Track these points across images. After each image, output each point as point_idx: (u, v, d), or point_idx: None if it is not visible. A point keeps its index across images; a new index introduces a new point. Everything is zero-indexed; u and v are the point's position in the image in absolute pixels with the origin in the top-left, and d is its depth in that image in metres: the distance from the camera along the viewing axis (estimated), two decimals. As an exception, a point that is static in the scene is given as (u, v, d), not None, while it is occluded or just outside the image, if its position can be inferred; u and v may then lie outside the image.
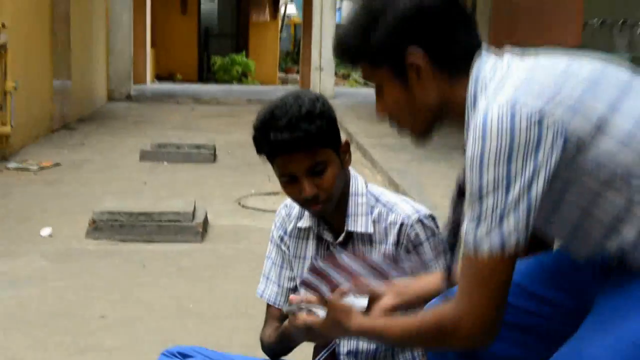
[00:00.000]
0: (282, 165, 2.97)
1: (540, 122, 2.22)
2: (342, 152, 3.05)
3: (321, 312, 2.79)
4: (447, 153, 10.75)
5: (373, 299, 2.84)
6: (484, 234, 2.29)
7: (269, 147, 2.93)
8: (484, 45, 2.53)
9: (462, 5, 2.54)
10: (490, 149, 2.25)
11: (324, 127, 2.94)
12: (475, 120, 2.32)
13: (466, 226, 2.37)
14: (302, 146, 2.90)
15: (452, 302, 2.43)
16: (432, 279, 2.86)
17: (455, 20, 2.49)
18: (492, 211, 2.26)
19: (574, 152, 2.31)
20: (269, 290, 3.40)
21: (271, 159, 2.99)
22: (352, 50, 2.57)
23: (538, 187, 2.26)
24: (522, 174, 2.24)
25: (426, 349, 2.83)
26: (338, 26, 2.68)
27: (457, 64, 2.49)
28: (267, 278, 3.41)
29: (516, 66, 2.42)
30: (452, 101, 2.51)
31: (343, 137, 3.09)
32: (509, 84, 2.33)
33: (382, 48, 2.48)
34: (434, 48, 2.44)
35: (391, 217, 3.11)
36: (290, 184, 3.00)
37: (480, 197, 2.28)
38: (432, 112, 2.55)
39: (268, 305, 3.39)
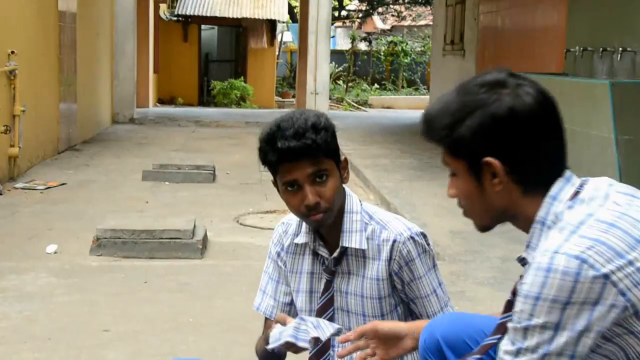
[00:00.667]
0: (287, 173, 2.98)
1: (604, 285, 2.15)
2: (342, 167, 3.11)
3: (302, 343, 2.88)
4: (436, 173, 10.77)
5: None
6: None
7: (276, 155, 2.94)
8: (568, 168, 2.43)
9: (558, 119, 2.45)
10: (547, 294, 2.19)
11: (328, 139, 3.00)
12: (542, 256, 2.26)
13: (504, 346, 2.33)
14: (307, 153, 2.94)
15: None
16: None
17: (545, 134, 2.39)
18: (533, 351, 2.22)
19: (629, 314, 2.23)
20: (264, 303, 3.43)
21: (276, 167, 2.99)
22: (436, 133, 2.49)
23: (586, 343, 2.21)
24: (572, 326, 2.19)
25: None
26: (433, 102, 2.48)
27: (535, 180, 2.41)
28: (264, 292, 3.43)
29: (599, 211, 2.31)
30: (520, 212, 2.46)
31: (342, 156, 3.22)
32: (585, 233, 2.24)
33: (463, 144, 2.41)
34: (514, 161, 2.36)
35: (384, 235, 3.13)
36: (293, 193, 3.01)
37: (526, 331, 2.24)
38: (498, 214, 2.51)
39: (265, 319, 3.44)
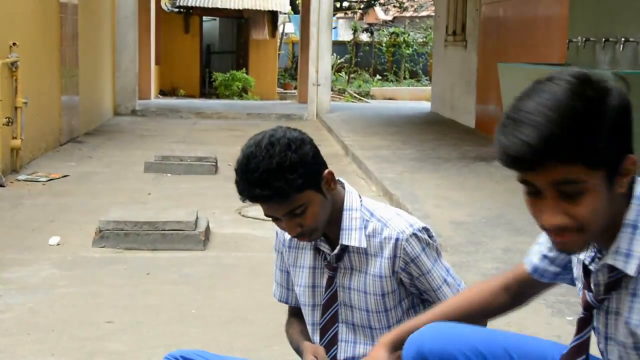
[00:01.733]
0: (263, 209, 2.99)
1: None
2: (324, 184, 3.05)
3: None
4: (437, 165, 10.88)
5: None
6: None
7: (246, 198, 2.94)
8: None
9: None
10: None
11: (295, 180, 2.89)
12: None
13: None
14: (275, 198, 2.90)
15: None
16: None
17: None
18: None
19: None
20: (279, 292, 3.44)
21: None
22: (564, 152, 2.12)
23: None
24: None
25: None
26: (538, 120, 2.19)
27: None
28: (277, 283, 3.44)
29: None
30: (618, 216, 2.29)
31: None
32: None
33: (602, 150, 2.14)
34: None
35: (386, 233, 3.11)
36: (275, 222, 3.04)
37: None
38: (610, 222, 2.28)
39: (289, 306, 3.48)
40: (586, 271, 2.47)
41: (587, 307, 2.47)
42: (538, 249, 2.70)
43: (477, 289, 2.81)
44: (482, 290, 2.82)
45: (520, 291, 2.78)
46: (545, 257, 2.69)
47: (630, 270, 2.30)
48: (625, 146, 2.19)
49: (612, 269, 2.35)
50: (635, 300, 2.35)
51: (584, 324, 2.51)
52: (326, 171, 3.05)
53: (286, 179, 2.88)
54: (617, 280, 2.39)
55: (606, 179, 2.19)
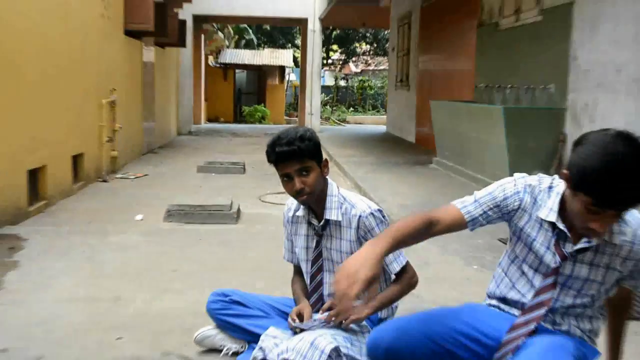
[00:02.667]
0: (282, 168, 3.04)
1: None
2: (323, 165, 3.13)
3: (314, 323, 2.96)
4: (389, 168, 10.80)
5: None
6: None
7: (275, 156, 3.01)
8: None
9: None
10: None
11: (310, 146, 3.02)
12: None
13: None
14: (295, 156, 2.99)
15: None
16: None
17: None
18: None
19: None
20: (287, 255, 3.45)
21: (275, 164, 3.05)
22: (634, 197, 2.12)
23: None
24: None
25: None
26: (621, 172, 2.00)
27: None
28: (286, 248, 3.44)
29: None
30: None
31: (324, 157, 3.24)
32: None
33: None
34: None
35: (353, 211, 3.13)
36: (286, 182, 3.07)
37: None
38: None
39: (294, 265, 3.46)
40: (559, 235, 2.42)
41: (563, 258, 2.41)
42: (476, 207, 2.51)
43: (417, 218, 2.44)
44: (431, 216, 2.47)
45: (443, 230, 2.49)
46: (486, 215, 2.50)
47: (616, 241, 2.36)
48: None
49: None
50: (609, 258, 2.39)
51: (555, 271, 2.44)
52: (325, 158, 3.16)
53: (304, 144, 3.01)
54: (596, 249, 2.40)
55: None
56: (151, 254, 5.53)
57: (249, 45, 33.49)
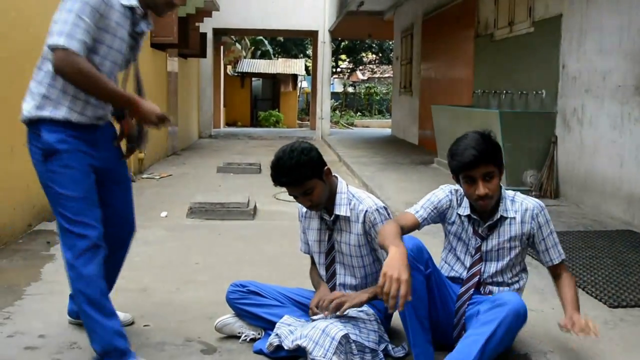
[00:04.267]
0: (288, 191, 3.10)
1: None
2: (325, 175, 3.12)
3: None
4: (395, 168, 10.77)
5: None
6: None
7: (277, 184, 3.06)
8: None
9: None
10: None
11: (306, 172, 3.01)
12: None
13: None
14: (295, 183, 3.03)
15: None
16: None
17: None
18: None
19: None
20: (303, 247, 3.47)
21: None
22: (487, 159, 2.84)
23: None
24: None
25: None
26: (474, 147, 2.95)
27: None
28: (302, 241, 3.46)
29: None
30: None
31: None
32: None
33: (500, 161, 2.92)
34: None
35: (360, 207, 3.16)
36: (296, 199, 3.14)
37: None
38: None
39: (311, 256, 3.46)
40: (474, 223, 3.05)
41: (481, 238, 3.04)
42: (422, 211, 3.05)
43: (396, 224, 2.81)
44: (400, 223, 2.89)
45: (406, 232, 2.91)
46: (430, 216, 3.06)
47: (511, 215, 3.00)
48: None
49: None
50: (510, 228, 3.02)
51: (478, 249, 3.04)
52: (325, 168, 3.13)
53: (300, 172, 3.00)
54: (496, 223, 3.02)
55: (499, 173, 2.91)
56: (175, 248, 5.54)
57: (264, 55, 33.51)
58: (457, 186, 3.06)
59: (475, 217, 3.03)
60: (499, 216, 2.99)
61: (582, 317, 2.74)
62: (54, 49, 2.66)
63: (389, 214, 3.18)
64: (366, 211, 3.13)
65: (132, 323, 3.59)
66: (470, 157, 2.83)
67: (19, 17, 5.73)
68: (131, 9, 2.94)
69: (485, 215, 3.03)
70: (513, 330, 2.70)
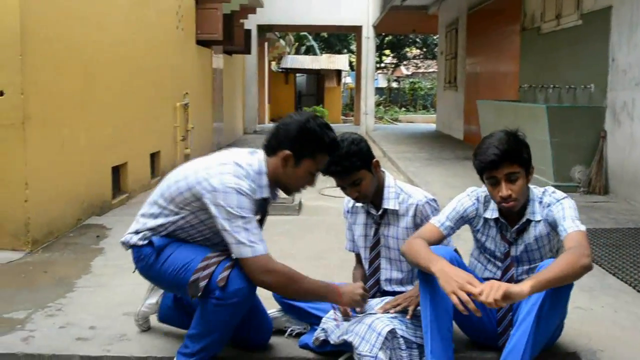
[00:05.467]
0: (336, 181, 3.10)
1: None
2: (373, 167, 3.11)
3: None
4: (441, 163, 10.78)
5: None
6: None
7: (328, 173, 3.02)
8: None
9: None
10: None
11: (356, 163, 3.01)
12: None
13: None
14: (344, 174, 3.02)
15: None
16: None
17: None
18: None
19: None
20: (349, 245, 3.46)
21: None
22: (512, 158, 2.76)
23: None
24: None
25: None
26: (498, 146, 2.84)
27: None
28: (348, 239, 3.45)
29: None
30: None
31: (379, 153, 3.25)
32: None
33: (526, 160, 2.83)
34: None
35: (410, 200, 3.17)
36: (343, 190, 3.12)
37: None
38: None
39: (355, 254, 3.45)
40: (502, 226, 2.97)
41: (509, 243, 2.96)
42: (449, 222, 2.95)
43: (422, 241, 2.82)
44: (424, 237, 2.87)
45: (432, 244, 2.84)
46: (456, 225, 2.99)
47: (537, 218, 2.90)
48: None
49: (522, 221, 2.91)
50: (535, 230, 2.91)
51: (507, 254, 2.97)
52: (374, 160, 3.12)
53: (350, 161, 2.99)
54: (523, 227, 2.93)
55: (526, 175, 2.82)
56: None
57: (309, 51, 33.58)
58: (484, 188, 2.98)
59: (502, 220, 2.96)
60: (524, 220, 2.91)
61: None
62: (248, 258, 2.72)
63: (438, 206, 3.20)
64: (417, 205, 3.14)
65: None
66: (492, 157, 2.75)
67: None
68: (266, 199, 2.94)
69: (513, 218, 2.94)
70: (562, 299, 2.67)
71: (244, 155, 2.84)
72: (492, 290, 2.39)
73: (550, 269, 2.50)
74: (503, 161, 2.75)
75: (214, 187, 2.68)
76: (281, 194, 3.06)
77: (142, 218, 2.95)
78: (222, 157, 2.81)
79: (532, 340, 2.56)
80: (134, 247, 2.90)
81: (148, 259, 2.84)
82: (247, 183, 2.72)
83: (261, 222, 2.92)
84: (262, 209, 2.92)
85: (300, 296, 2.96)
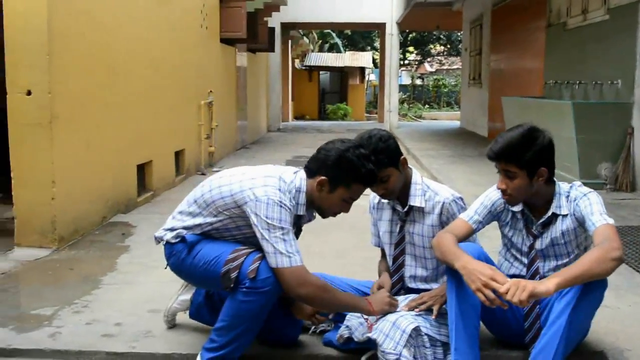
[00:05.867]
0: None
1: None
2: (401, 164, 3.09)
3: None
4: (465, 160, 10.74)
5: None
6: None
7: None
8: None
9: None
10: None
11: (384, 160, 2.99)
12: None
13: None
14: None
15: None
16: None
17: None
18: None
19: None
20: (374, 240, 3.45)
21: None
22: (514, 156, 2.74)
23: None
24: None
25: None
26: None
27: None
28: (373, 234, 3.45)
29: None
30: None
31: (403, 150, 3.20)
32: None
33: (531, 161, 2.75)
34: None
35: (437, 198, 3.14)
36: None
37: None
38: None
39: (382, 249, 3.43)
40: (527, 219, 2.97)
41: (534, 237, 2.95)
42: (477, 216, 2.97)
43: (451, 237, 2.83)
44: (454, 233, 2.88)
45: (461, 240, 2.86)
46: (485, 220, 3.00)
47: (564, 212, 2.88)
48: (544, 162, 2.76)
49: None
50: (562, 224, 2.89)
51: (531, 246, 2.96)
52: (402, 157, 3.11)
53: (377, 158, 2.97)
54: (548, 220, 2.91)
55: (528, 175, 2.77)
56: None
57: (332, 48, 33.56)
58: None
59: (527, 212, 2.97)
60: (550, 213, 2.90)
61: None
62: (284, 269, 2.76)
63: (464, 204, 3.17)
64: (443, 203, 3.12)
65: None
66: (488, 152, 2.83)
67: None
68: (301, 216, 3.04)
69: (540, 211, 2.94)
70: (595, 299, 2.66)
71: (289, 173, 2.96)
72: (517, 290, 2.38)
73: (577, 264, 2.48)
74: (497, 160, 2.81)
75: (257, 197, 2.78)
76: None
77: (179, 215, 3.01)
78: (269, 170, 2.93)
79: (565, 341, 2.53)
80: (166, 243, 2.96)
81: (180, 254, 2.91)
82: (288, 198, 2.84)
83: (295, 236, 2.98)
84: (296, 225, 3.01)
85: (332, 308, 3.04)
